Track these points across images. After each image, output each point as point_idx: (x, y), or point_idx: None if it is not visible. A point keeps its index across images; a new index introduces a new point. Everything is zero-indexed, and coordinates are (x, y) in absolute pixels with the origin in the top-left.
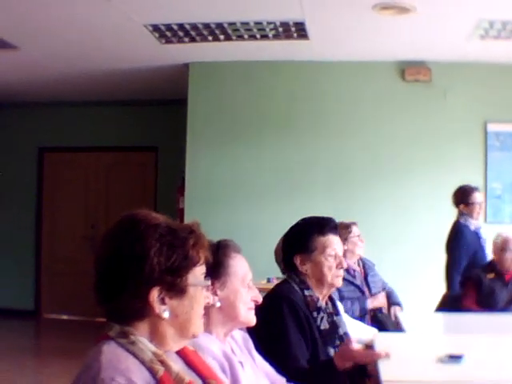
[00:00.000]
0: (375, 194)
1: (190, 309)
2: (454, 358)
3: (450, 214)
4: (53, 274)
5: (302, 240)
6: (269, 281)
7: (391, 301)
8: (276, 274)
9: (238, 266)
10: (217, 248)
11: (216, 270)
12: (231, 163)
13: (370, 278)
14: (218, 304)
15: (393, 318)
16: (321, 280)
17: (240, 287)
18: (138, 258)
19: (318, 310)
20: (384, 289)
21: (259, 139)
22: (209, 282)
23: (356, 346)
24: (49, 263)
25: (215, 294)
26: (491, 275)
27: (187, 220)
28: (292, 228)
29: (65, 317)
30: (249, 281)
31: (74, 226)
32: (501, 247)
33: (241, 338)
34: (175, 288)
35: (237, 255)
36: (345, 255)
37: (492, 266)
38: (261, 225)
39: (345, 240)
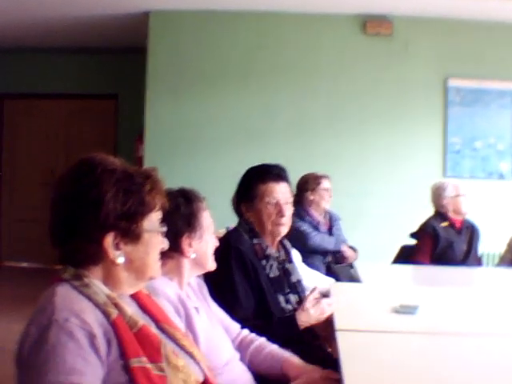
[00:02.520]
0: (333, 145)
1: (146, 254)
2: (409, 309)
3: (406, 167)
4: (12, 222)
5: (245, 188)
6: (227, 229)
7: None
8: (235, 223)
9: (209, 217)
10: (188, 200)
11: (192, 223)
12: (190, 112)
13: (334, 231)
14: (193, 256)
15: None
16: (262, 228)
17: (210, 237)
18: (94, 203)
19: (267, 257)
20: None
21: (219, 88)
22: (164, 228)
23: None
24: (8, 210)
25: (191, 246)
26: (445, 223)
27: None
28: (241, 177)
29: (25, 264)
30: (213, 228)
31: (34, 173)
32: (455, 194)
33: (196, 284)
34: (130, 234)
35: (205, 206)
36: (310, 205)
37: (442, 215)
38: (220, 173)
39: (312, 191)
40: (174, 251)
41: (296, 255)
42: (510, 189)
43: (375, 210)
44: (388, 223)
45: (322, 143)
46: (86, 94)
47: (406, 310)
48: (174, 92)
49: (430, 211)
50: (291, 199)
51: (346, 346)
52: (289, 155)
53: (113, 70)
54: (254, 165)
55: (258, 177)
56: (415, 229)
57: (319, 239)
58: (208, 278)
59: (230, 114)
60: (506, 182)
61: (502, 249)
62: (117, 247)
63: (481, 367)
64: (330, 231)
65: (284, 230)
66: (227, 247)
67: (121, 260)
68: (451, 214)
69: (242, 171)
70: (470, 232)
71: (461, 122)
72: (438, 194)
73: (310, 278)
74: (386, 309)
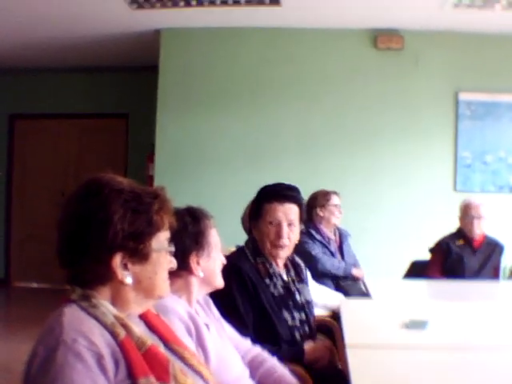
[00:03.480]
0: (344, 161)
1: (154, 274)
2: (419, 324)
3: (417, 181)
4: (23, 242)
5: (253, 206)
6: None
7: None
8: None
9: (216, 235)
10: (195, 218)
11: (200, 241)
12: (201, 130)
13: (344, 247)
14: (202, 274)
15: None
16: (263, 247)
17: (218, 255)
18: (102, 223)
19: (271, 276)
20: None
21: (230, 106)
22: (172, 248)
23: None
24: (19, 231)
25: (199, 264)
26: (460, 242)
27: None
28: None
29: (35, 285)
30: (220, 246)
31: (45, 193)
32: (463, 213)
33: (203, 300)
34: (138, 254)
35: (213, 224)
36: (320, 222)
37: (461, 233)
38: (230, 192)
39: (322, 207)
40: (182, 270)
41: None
42: None
43: (385, 224)
44: (398, 237)
45: (332, 158)
46: (96, 114)
47: (416, 325)
48: (183, 110)
49: (440, 225)
50: (296, 221)
51: (356, 363)
52: (298, 171)
53: (124, 89)
54: (263, 183)
55: (265, 196)
56: (426, 243)
57: (329, 265)
58: (213, 295)
59: (238, 131)
60: None
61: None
62: (125, 267)
63: (493, 382)
64: (340, 248)
65: (282, 252)
66: (228, 266)
67: (129, 280)
68: (467, 233)
69: (251, 188)
70: (491, 250)
71: (471, 136)
72: (460, 211)
73: (319, 293)
74: (396, 324)
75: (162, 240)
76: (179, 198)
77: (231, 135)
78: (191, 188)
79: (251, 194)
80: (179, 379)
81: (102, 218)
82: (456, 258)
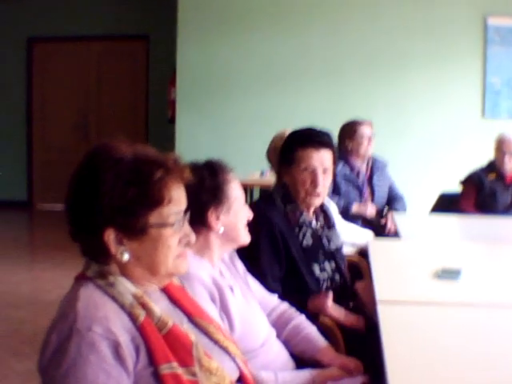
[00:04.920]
0: (369, 86)
1: (154, 251)
2: (451, 274)
3: (445, 108)
4: (45, 164)
5: (286, 151)
6: (262, 174)
7: (390, 207)
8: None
9: (237, 189)
10: (213, 172)
11: (218, 196)
12: (224, 52)
13: (374, 180)
14: (222, 230)
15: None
16: (297, 194)
17: (239, 209)
18: (90, 194)
19: (301, 225)
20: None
21: (252, 27)
22: (178, 224)
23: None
24: (41, 153)
25: (218, 219)
26: (492, 175)
27: (179, 112)
28: (285, 139)
29: (57, 207)
30: (243, 200)
31: (65, 115)
32: (498, 147)
33: (227, 256)
34: (132, 229)
35: (234, 177)
36: (350, 154)
37: (493, 167)
38: (254, 116)
39: (350, 138)
40: (201, 226)
41: (334, 208)
42: None
43: (411, 152)
44: (424, 167)
45: (357, 82)
46: (116, 35)
47: (449, 275)
48: (205, 32)
49: (467, 154)
50: (331, 168)
51: (387, 319)
52: (323, 94)
53: (144, 10)
54: (287, 106)
55: (299, 141)
56: (453, 174)
57: None
58: (240, 247)
59: (262, 52)
60: None
61: None
62: (120, 242)
63: None
64: (369, 180)
65: (317, 200)
66: (258, 215)
67: (125, 257)
68: (499, 168)
69: (276, 113)
70: None
71: (500, 62)
72: (495, 145)
73: (347, 231)
74: (428, 273)
75: (165, 215)
76: (202, 123)
77: (255, 57)
78: (214, 112)
79: (275, 118)
80: (203, 362)
81: (90, 189)
82: (488, 192)
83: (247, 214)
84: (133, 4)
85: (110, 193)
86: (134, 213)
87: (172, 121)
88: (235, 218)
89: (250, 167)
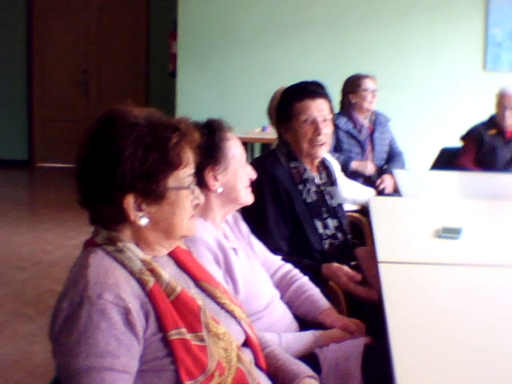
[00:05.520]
0: (372, 38)
1: (172, 214)
2: (452, 233)
3: (447, 60)
4: (45, 122)
5: (282, 108)
6: (263, 129)
7: (390, 164)
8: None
9: (236, 148)
10: (211, 131)
11: (215, 155)
12: (225, 6)
13: (376, 135)
14: (220, 189)
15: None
16: (300, 149)
17: (238, 168)
18: (110, 161)
19: (305, 182)
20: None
21: None
22: (193, 186)
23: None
24: (41, 111)
25: (216, 179)
26: (492, 131)
27: (180, 66)
28: (280, 97)
29: (58, 165)
30: (244, 159)
31: (66, 71)
32: (499, 102)
33: (231, 218)
34: (152, 194)
35: (232, 136)
36: (354, 109)
37: (494, 122)
38: (255, 70)
39: (353, 93)
40: (200, 187)
41: (336, 165)
42: None
43: (413, 104)
44: (426, 120)
45: (360, 34)
46: None
47: (450, 234)
48: None
49: (468, 107)
50: (330, 116)
51: (389, 281)
52: (326, 47)
53: None
54: (290, 58)
55: (294, 95)
56: (455, 127)
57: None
58: (244, 206)
59: (264, 6)
60: None
61: None
62: (139, 208)
63: None
64: (371, 135)
65: (323, 150)
66: (261, 173)
67: (144, 221)
68: (501, 122)
69: (278, 67)
70: None
71: (503, 14)
72: (496, 100)
73: (348, 188)
74: (429, 232)
75: (181, 178)
76: (203, 77)
77: (257, 11)
78: (215, 66)
79: (277, 72)
80: (211, 327)
81: (110, 156)
82: (488, 148)
83: (249, 174)
84: None
85: (131, 159)
86: (155, 177)
87: (173, 75)
88: (234, 177)
89: (251, 122)
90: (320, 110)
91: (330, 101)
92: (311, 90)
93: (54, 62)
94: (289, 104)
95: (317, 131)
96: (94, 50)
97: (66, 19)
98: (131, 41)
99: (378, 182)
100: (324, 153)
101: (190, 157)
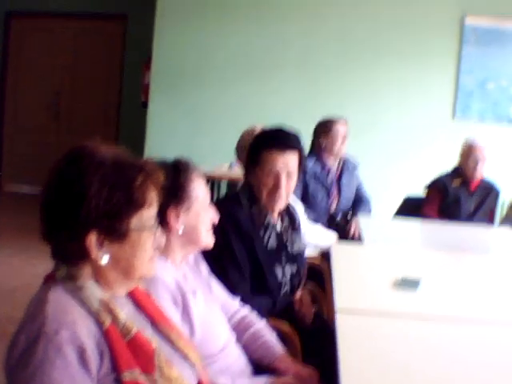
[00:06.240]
0: (344, 79)
1: (132, 254)
2: (411, 284)
3: (417, 107)
4: (16, 144)
5: (251, 152)
6: (231, 165)
7: (356, 209)
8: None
9: (200, 189)
10: (177, 171)
11: (179, 195)
12: (200, 39)
13: (343, 181)
14: (182, 230)
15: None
16: (260, 196)
17: (201, 210)
18: (75, 198)
19: (266, 227)
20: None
21: (230, 15)
22: (154, 227)
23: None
24: (11, 133)
25: (178, 219)
26: (457, 182)
27: (152, 97)
28: (253, 138)
29: (27, 189)
30: (208, 202)
31: (39, 94)
32: (466, 153)
33: (192, 259)
34: (115, 232)
35: (198, 177)
36: (324, 151)
37: (459, 172)
38: (227, 105)
39: (324, 135)
40: (162, 226)
41: (299, 208)
42: None
43: (381, 150)
44: (393, 166)
45: (331, 78)
46: (95, 13)
47: (408, 284)
48: (184, 18)
49: (436, 155)
50: (295, 171)
51: (344, 329)
52: (299, 88)
53: None
54: (262, 95)
55: (265, 142)
56: (422, 175)
57: None
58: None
59: (239, 42)
60: None
61: (506, 198)
62: (101, 246)
63: (480, 359)
64: (338, 180)
65: (279, 204)
66: (225, 215)
67: (105, 260)
68: (468, 174)
69: (249, 103)
70: (487, 193)
71: (475, 63)
72: (462, 150)
73: (311, 233)
74: (388, 281)
75: (144, 218)
76: (174, 109)
77: (231, 45)
78: (187, 99)
79: (248, 108)
80: (164, 371)
81: (76, 193)
82: (453, 198)
83: (212, 217)
84: None
85: (96, 197)
86: (119, 216)
87: (145, 105)
88: (196, 218)
89: (220, 156)
90: (286, 164)
91: (301, 153)
92: (283, 141)
93: (27, 85)
94: (259, 150)
95: (277, 185)
96: (68, 75)
97: (42, 42)
98: (105, 68)
99: (352, 229)
100: (281, 206)
101: (154, 197)
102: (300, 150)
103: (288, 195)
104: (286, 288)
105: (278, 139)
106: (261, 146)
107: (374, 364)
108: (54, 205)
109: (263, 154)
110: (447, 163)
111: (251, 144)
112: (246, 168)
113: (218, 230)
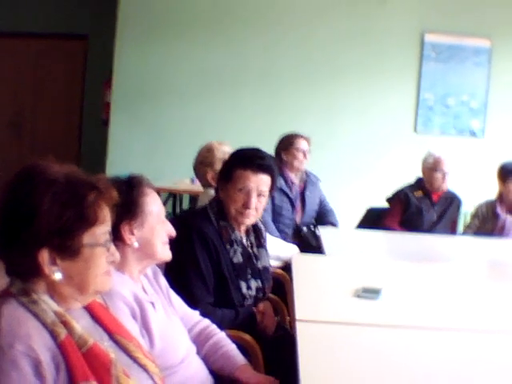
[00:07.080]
0: (304, 95)
1: (86, 270)
2: (372, 293)
3: (379, 122)
4: None
5: (225, 167)
6: (192, 181)
7: (326, 220)
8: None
9: (154, 204)
10: (130, 186)
11: (132, 210)
12: (160, 57)
13: (307, 193)
14: (136, 244)
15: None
16: (229, 212)
17: (156, 224)
18: (26, 215)
19: (232, 242)
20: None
21: (190, 34)
22: (109, 244)
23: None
24: None
25: (132, 233)
26: (419, 193)
27: (113, 115)
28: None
29: None
30: (163, 216)
31: (1, 113)
32: (432, 167)
33: (151, 272)
34: (66, 249)
35: (151, 192)
36: (286, 166)
37: (420, 184)
38: (187, 122)
39: (285, 151)
40: (116, 241)
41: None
42: (481, 147)
43: (342, 164)
44: (355, 179)
45: (292, 95)
46: (55, 33)
47: (369, 294)
48: (144, 37)
49: (398, 168)
50: (267, 191)
51: (305, 339)
52: (258, 106)
53: (84, 9)
54: (222, 113)
55: (240, 161)
56: (383, 187)
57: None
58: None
59: (198, 59)
60: (477, 139)
61: (469, 208)
62: (53, 263)
63: (441, 367)
64: (302, 194)
65: (247, 222)
66: (189, 229)
67: (58, 276)
68: (428, 186)
69: (209, 121)
70: (449, 203)
71: (435, 78)
72: (423, 162)
73: (272, 245)
74: (349, 292)
75: (96, 235)
76: (135, 126)
77: (191, 64)
78: (148, 116)
79: (208, 125)
80: (121, 381)
81: (26, 210)
82: (415, 210)
83: (167, 230)
84: (74, 2)
85: (47, 215)
86: (70, 234)
87: (106, 123)
88: (151, 232)
89: (181, 172)
90: (258, 185)
91: (273, 175)
92: (258, 163)
93: None
94: (232, 167)
95: (247, 204)
96: (30, 93)
97: (4, 61)
98: (66, 86)
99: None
100: (249, 223)
101: (106, 214)
102: (273, 172)
103: (257, 214)
104: (250, 302)
105: (254, 159)
106: (236, 163)
107: (334, 373)
108: (6, 222)
109: (237, 172)
110: (409, 175)
111: (225, 161)
112: (217, 182)
113: (184, 242)
